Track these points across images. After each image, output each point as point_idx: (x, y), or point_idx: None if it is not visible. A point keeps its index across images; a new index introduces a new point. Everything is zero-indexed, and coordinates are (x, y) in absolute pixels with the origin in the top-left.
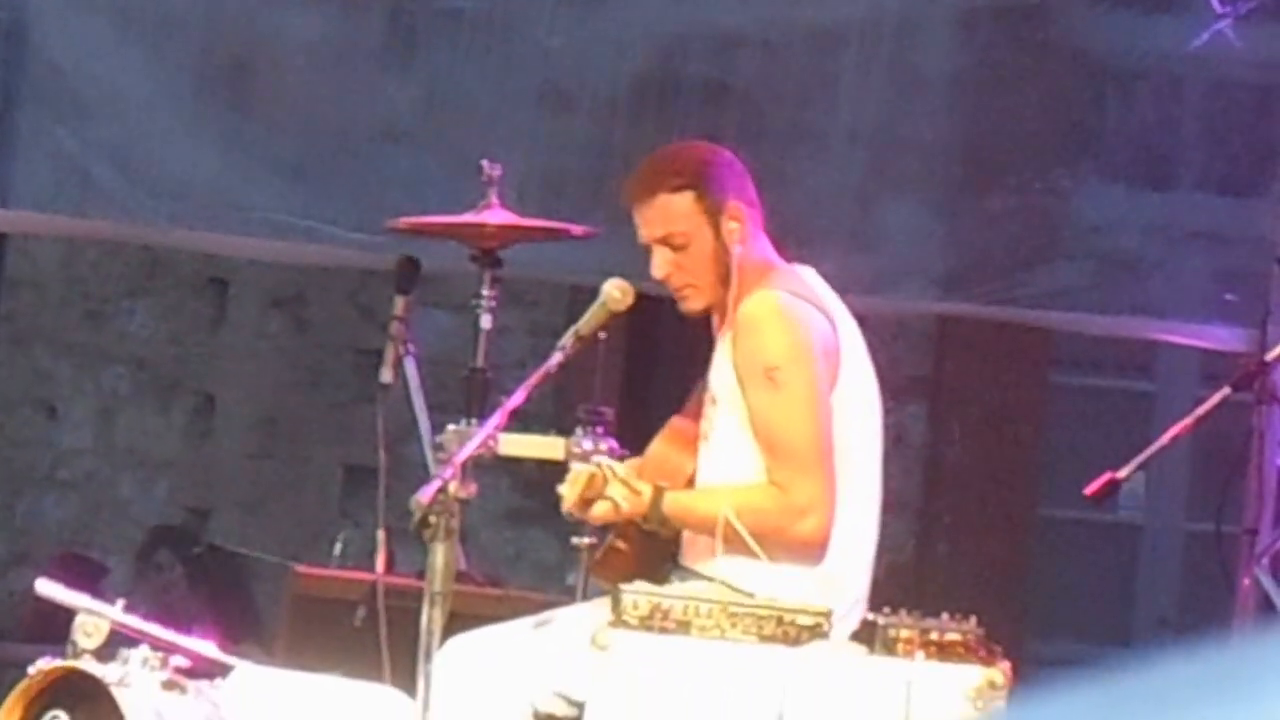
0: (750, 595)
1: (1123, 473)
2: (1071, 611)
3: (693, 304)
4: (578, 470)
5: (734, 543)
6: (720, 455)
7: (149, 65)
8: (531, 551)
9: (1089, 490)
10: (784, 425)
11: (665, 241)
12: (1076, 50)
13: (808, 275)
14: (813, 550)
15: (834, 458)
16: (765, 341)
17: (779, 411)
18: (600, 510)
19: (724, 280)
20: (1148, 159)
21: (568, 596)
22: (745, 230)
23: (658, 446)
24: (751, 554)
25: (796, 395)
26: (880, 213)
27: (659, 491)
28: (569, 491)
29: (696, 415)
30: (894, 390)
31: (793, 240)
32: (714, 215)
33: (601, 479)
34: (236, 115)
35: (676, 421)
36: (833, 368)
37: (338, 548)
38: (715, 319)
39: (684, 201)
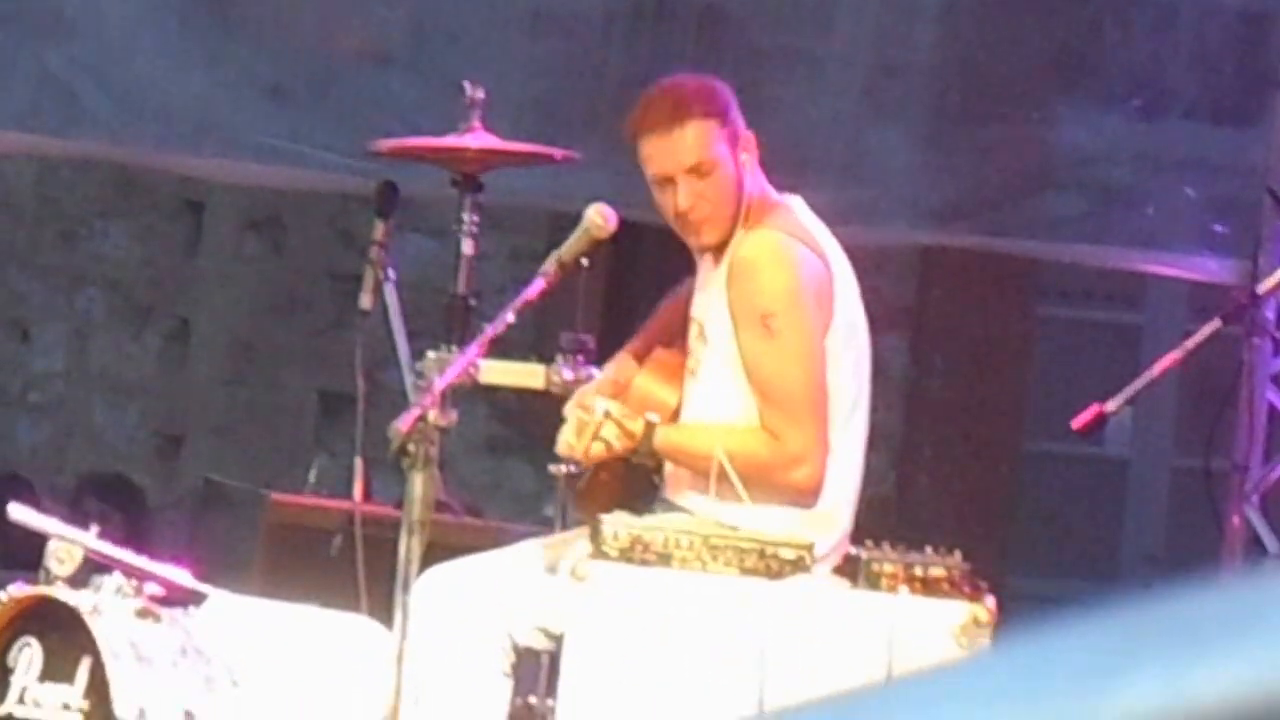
0: (733, 529)
1: (1110, 406)
2: (1056, 547)
3: (708, 237)
4: (582, 419)
5: (725, 486)
6: (709, 394)
7: None
8: (510, 481)
9: (1076, 424)
10: (778, 373)
11: (695, 170)
12: None
13: (798, 207)
14: (805, 497)
15: (827, 404)
16: (762, 286)
17: (773, 359)
18: (594, 450)
19: (737, 212)
20: (1140, 89)
21: (546, 527)
22: (754, 163)
23: (643, 379)
24: (741, 496)
25: (791, 343)
26: (871, 143)
27: (650, 427)
28: (578, 442)
29: (673, 338)
30: (875, 321)
31: (783, 169)
32: (733, 146)
33: (598, 424)
34: (220, 36)
35: (662, 353)
36: (826, 310)
37: (312, 475)
38: (703, 253)
39: (712, 129)
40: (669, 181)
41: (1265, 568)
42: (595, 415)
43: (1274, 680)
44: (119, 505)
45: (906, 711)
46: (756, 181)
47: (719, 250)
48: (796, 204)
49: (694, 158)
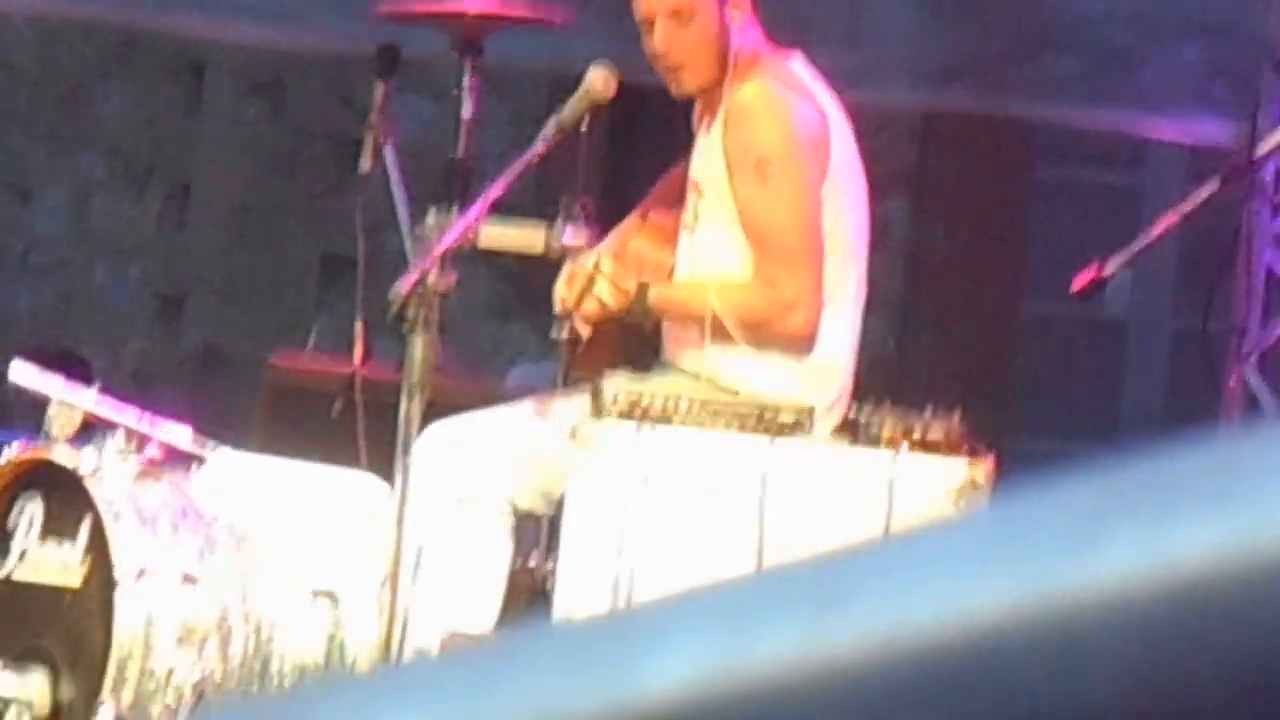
0: (734, 393)
1: (1109, 268)
2: (1056, 408)
3: (686, 84)
4: (574, 268)
5: (721, 337)
6: (704, 245)
7: None
8: (509, 343)
9: (1075, 286)
10: (773, 219)
11: (675, 14)
12: None
13: (796, 64)
14: (800, 344)
15: (822, 251)
16: (757, 132)
17: (768, 205)
18: (588, 308)
19: (720, 64)
20: None
21: (547, 388)
22: (745, 17)
23: (638, 242)
24: (737, 347)
25: (786, 189)
26: (872, 5)
27: (644, 287)
28: (568, 293)
29: (671, 205)
30: (876, 184)
31: (784, 31)
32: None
33: (591, 277)
34: None
35: (655, 216)
36: (822, 160)
37: (312, 337)
38: (698, 108)
39: None
40: (650, 23)
41: (1258, 426)
42: (585, 268)
43: (1256, 539)
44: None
45: (880, 571)
46: (749, 38)
47: (712, 106)
48: (796, 60)
49: (675, 1)
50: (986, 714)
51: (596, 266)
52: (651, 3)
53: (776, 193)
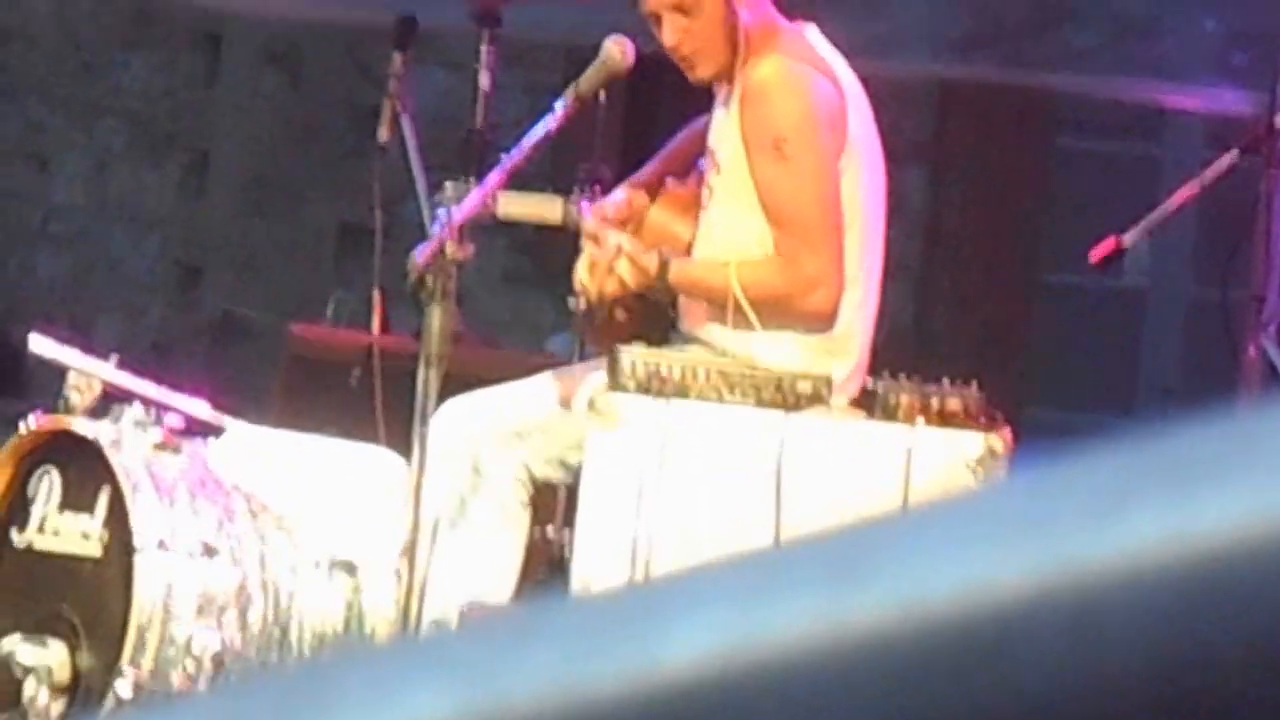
0: (751, 363)
1: (1127, 238)
2: (1073, 378)
3: (701, 72)
4: (596, 256)
5: (741, 315)
6: (722, 223)
7: None
8: (526, 313)
9: (1094, 256)
10: (792, 197)
11: (677, 7)
12: None
13: (811, 35)
14: (821, 320)
15: (841, 227)
16: (774, 111)
17: (787, 183)
18: (609, 287)
19: (732, 47)
20: None
21: (563, 358)
22: None
23: (655, 213)
24: (761, 327)
25: (804, 167)
26: None
27: (664, 264)
28: (592, 280)
29: (688, 167)
30: (894, 154)
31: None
32: None
33: (611, 258)
34: None
35: (676, 186)
36: (839, 134)
37: (330, 308)
38: (719, 84)
39: None
40: (657, 18)
41: (1277, 396)
42: (608, 251)
43: (1277, 511)
44: None
45: (898, 544)
46: (759, 13)
47: (729, 80)
48: (810, 31)
49: None
50: (1005, 686)
51: (619, 249)
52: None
53: (794, 170)
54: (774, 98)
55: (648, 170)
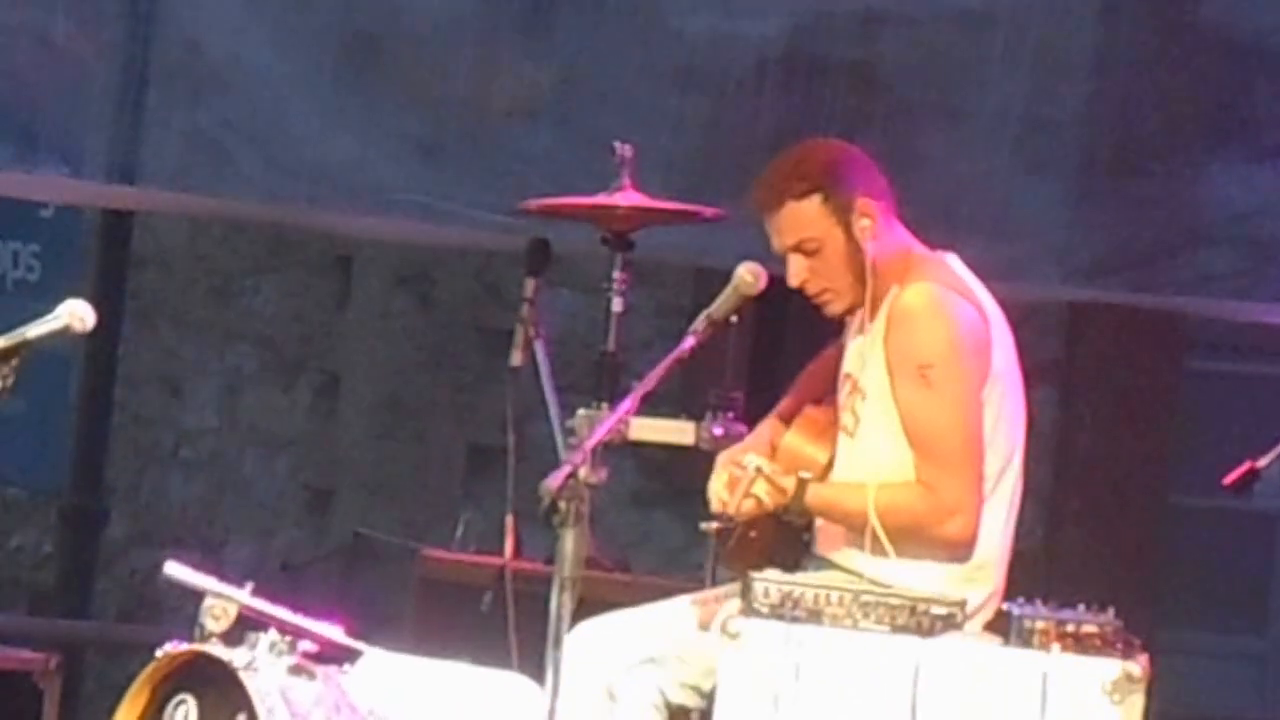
0: (885, 586)
1: (1263, 461)
2: (1204, 601)
3: (834, 308)
4: (736, 475)
5: (879, 540)
6: (865, 449)
7: (281, 41)
8: (657, 534)
9: (1227, 480)
10: (935, 424)
11: (798, 248)
12: (1222, 31)
13: (953, 263)
14: (958, 549)
15: (983, 456)
16: (920, 337)
17: (930, 410)
18: (745, 506)
19: (861, 279)
20: None
21: (696, 581)
22: (877, 225)
23: (791, 437)
24: (897, 553)
25: (948, 394)
26: (1022, 197)
27: (802, 485)
28: (731, 498)
29: (819, 397)
30: (1024, 374)
31: (935, 225)
32: (843, 215)
33: (750, 480)
34: (370, 92)
35: (811, 411)
36: (984, 362)
37: (459, 530)
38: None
39: (811, 206)
40: (783, 257)
41: None
42: (748, 471)
43: None
44: None
45: None
46: (889, 240)
47: (872, 308)
48: (951, 259)
49: (794, 238)
50: None
51: (758, 469)
52: (775, 242)
53: (939, 398)
54: (920, 324)
55: (782, 404)
